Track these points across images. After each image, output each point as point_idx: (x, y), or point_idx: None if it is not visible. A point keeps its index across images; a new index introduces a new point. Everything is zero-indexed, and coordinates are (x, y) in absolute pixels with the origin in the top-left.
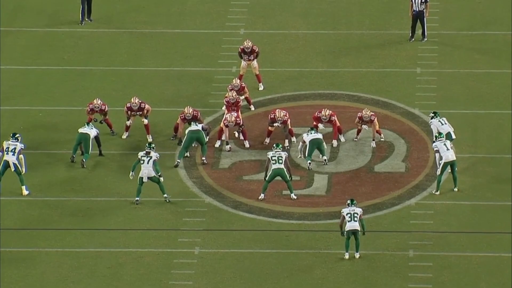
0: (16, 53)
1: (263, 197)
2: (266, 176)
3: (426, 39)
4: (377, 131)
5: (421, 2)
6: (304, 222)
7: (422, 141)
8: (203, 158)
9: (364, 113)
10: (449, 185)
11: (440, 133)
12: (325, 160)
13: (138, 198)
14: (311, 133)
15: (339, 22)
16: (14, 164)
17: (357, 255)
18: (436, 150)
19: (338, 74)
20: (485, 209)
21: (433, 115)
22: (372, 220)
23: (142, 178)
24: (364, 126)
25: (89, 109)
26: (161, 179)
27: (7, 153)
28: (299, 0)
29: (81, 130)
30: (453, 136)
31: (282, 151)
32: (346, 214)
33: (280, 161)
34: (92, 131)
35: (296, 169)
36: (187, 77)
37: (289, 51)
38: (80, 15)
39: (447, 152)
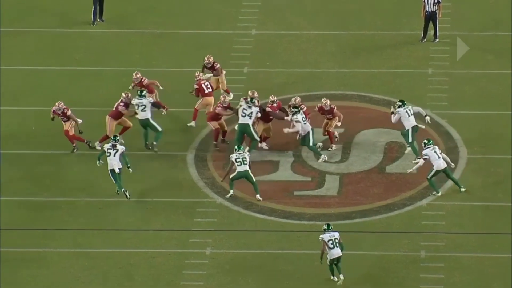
0: (27, 53)
1: (231, 194)
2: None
3: (438, 39)
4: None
5: (433, 2)
6: (316, 223)
7: (434, 142)
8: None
9: (324, 102)
10: (456, 187)
11: (429, 140)
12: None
13: (122, 190)
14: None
15: (350, 23)
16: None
17: (342, 277)
18: (425, 159)
19: (350, 75)
20: (496, 210)
21: (400, 103)
22: (384, 221)
23: (114, 169)
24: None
25: (52, 113)
26: (130, 170)
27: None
28: (311, 0)
29: None
30: (422, 126)
31: (245, 152)
32: (328, 241)
33: (245, 163)
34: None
35: (307, 170)
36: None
37: (301, 51)
38: (92, 15)
39: (438, 160)
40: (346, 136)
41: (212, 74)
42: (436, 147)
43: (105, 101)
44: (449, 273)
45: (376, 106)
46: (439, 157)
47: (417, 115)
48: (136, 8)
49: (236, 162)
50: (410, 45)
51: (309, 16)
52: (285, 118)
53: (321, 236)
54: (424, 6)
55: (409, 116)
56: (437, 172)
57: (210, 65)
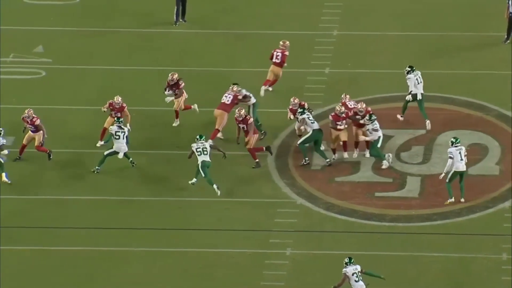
0: (110, 53)
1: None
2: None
3: None
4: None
5: None
6: (397, 225)
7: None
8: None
9: (360, 106)
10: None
11: (456, 139)
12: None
13: (99, 168)
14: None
15: (432, 24)
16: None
17: None
18: (450, 157)
19: (431, 76)
20: None
21: (409, 69)
22: (465, 223)
23: (118, 153)
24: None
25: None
26: (133, 164)
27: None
28: (393, 1)
29: None
30: (420, 97)
31: (206, 141)
32: (352, 274)
33: (205, 152)
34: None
35: (388, 171)
36: (281, 79)
37: (382, 52)
38: (175, 16)
39: (459, 163)
40: (428, 138)
41: (173, 98)
42: (462, 147)
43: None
44: None
45: (458, 108)
46: (461, 159)
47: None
48: (218, 9)
49: (196, 152)
50: (492, 46)
51: (390, 17)
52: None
53: (344, 269)
54: (508, 7)
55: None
56: (455, 174)
57: (173, 82)
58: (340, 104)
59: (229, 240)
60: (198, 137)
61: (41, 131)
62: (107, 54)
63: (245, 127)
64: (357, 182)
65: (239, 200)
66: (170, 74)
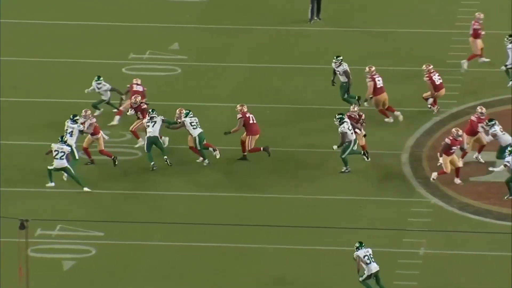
0: (245, 51)
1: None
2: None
3: None
4: None
5: None
6: None
7: None
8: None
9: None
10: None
11: None
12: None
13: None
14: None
15: None
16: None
17: None
18: (505, 165)
19: None
20: None
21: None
22: None
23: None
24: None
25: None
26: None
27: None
28: None
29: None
30: None
31: (158, 116)
32: (364, 257)
33: (153, 125)
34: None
35: None
36: (413, 77)
37: None
38: (309, 13)
39: None
40: None
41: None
42: None
43: (316, 98)
44: None
45: None
46: None
47: None
48: (352, 7)
49: (191, 125)
50: None
51: None
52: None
53: (355, 253)
54: None
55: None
56: None
57: (136, 105)
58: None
59: (362, 239)
60: (150, 111)
61: (100, 133)
62: (242, 52)
63: None
64: (492, 182)
65: (373, 198)
66: (133, 98)
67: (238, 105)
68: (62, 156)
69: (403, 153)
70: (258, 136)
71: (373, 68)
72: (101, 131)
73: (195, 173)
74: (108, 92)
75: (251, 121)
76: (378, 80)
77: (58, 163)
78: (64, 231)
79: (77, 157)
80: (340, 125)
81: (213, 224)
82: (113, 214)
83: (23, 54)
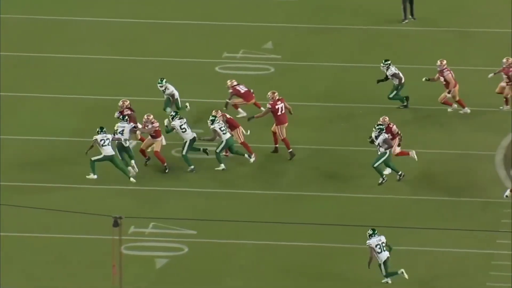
0: (338, 50)
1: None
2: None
3: None
4: None
5: None
6: None
7: None
8: None
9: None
10: None
11: None
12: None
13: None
14: None
15: None
16: None
17: (389, 281)
18: None
19: None
20: None
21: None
22: None
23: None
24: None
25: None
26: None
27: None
28: None
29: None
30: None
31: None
32: (376, 246)
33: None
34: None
35: None
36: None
37: None
38: (403, 13)
39: None
40: None
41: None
42: None
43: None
44: None
45: None
46: None
47: None
48: (447, 7)
49: (221, 131)
50: None
51: None
52: None
53: (368, 242)
54: None
55: None
56: None
57: (121, 109)
58: None
59: (456, 240)
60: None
61: (161, 137)
62: (335, 51)
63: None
64: None
65: (466, 199)
66: (121, 101)
67: (269, 92)
68: (109, 143)
69: (497, 153)
70: (286, 124)
71: (445, 62)
72: (162, 135)
73: (273, 175)
74: (175, 93)
75: (279, 113)
76: (451, 73)
77: (108, 150)
78: (157, 229)
79: (133, 155)
80: (378, 135)
81: (307, 223)
82: (205, 213)
83: (125, 53)
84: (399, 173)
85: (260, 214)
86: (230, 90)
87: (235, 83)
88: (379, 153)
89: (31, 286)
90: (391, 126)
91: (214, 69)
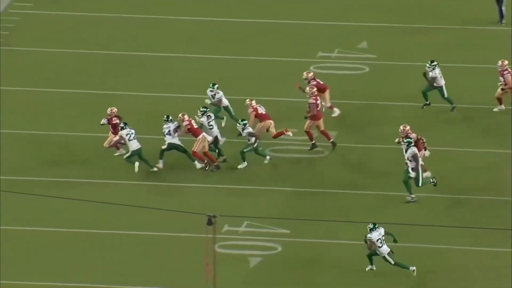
0: (431, 50)
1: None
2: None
3: None
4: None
5: None
6: None
7: None
8: None
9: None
10: None
11: None
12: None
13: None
14: None
15: None
16: None
17: (372, 267)
18: None
19: None
20: None
21: None
22: None
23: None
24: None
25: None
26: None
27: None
28: None
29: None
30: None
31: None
32: (377, 240)
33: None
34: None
35: None
36: None
37: None
38: (498, 15)
39: None
40: None
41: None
42: None
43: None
44: None
45: None
46: None
47: None
48: None
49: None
50: None
51: None
52: None
53: (368, 235)
54: None
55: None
56: None
57: (110, 117)
58: None
59: (488, 239)
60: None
61: (201, 135)
62: (429, 51)
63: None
64: None
65: (500, 199)
66: (109, 109)
67: (307, 87)
68: (134, 137)
69: None
70: (320, 120)
71: (506, 62)
72: (203, 133)
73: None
74: (223, 100)
75: (319, 107)
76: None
77: (134, 144)
78: (250, 227)
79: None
80: (407, 149)
81: (400, 224)
82: (299, 212)
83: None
84: (432, 181)
85: (354, 213)
86: (251, 110)
87: (254, 103)
88: (409, 168)
89: (118, 282)
90: (409, 134)
91: (309, 69)
